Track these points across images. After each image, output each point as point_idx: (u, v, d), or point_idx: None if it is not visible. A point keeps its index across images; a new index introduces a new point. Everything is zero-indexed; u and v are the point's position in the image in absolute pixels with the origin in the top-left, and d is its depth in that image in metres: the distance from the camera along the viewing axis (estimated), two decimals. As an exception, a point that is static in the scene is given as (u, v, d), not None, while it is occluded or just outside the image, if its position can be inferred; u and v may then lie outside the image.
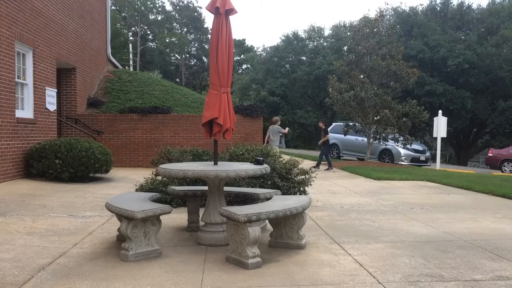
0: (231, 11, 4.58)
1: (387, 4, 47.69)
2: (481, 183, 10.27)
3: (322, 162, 15.01)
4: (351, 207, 7.18)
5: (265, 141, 14.17)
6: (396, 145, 17.98)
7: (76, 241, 4.67)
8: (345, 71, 17.42)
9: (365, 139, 17.62)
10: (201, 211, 5.09)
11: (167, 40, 55.85)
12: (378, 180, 11.12)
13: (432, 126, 19.59)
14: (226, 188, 5.25)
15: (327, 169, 13.99)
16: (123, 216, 4.05)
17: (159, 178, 6.88)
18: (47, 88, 10.35)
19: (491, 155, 21.50)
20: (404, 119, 16.46)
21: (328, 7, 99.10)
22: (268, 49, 42.66)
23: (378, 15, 18.72)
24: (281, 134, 13.60)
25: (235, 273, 3.72)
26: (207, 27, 59.34)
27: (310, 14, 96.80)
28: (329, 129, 21.97)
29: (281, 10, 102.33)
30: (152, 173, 7.08)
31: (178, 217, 5.90)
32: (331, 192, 8.92)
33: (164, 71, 47.77)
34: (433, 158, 20.20)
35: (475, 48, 28.82)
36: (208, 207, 4.62)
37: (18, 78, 9.22)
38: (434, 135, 17.96)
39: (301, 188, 7.26)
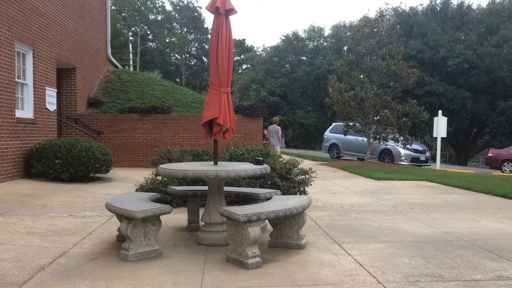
0: (231, 11, 4.58)
1: (387, 4, 47.65)
2: (481, 183, 10.26)
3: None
4: (351, 207, 7.18)
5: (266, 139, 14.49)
6: (396, 145, 17.98)
7: (76, 241, 4.67)
8: (345, 71, 17.41)
9: (365, 139, 17.61)
10: (201, 211, 5.09)
11: (167, 40, 55.87)
12: (378, 180, 11.12)
13: (432, 126, 19.61)
14: (226, 188, 5.25)
15: None
16: (123, 216, 4.05)
17: (159, 178, 6.88)
18: (47, 88, 10.35)
19: (491, 155, 21.50)
20: (404, 119, 16.45)
21: (328, 7, 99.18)
22: (268, 49, 42.72)
23: (378, 15, 18.70)
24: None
25: (235, 273, 3.72)
26: (207, 27, 59.38)
27: (310, 14, 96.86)
28: (329, 129, 22.10)
29: (281, 10, 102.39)
30: (152, 173, 7.08)
31: (178, 217, 5.90)
32: (331, 192, 8.92)
33: (164, 71, 47.80)
34: (433, 158, 20.21)
35: (475, 48, 28.83)
36: (208, 207, 4.62)
37: (18, 78, 9.22)
38: (434, 135, 17.96)
39: (301, 188, 7.26)
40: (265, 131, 15.97)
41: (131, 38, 54.52)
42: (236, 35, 72.05)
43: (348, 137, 19.41)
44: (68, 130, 12.62)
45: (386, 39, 17.37)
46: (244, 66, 58.11)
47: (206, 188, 5.07)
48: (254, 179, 6.82)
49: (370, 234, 5.22)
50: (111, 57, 16.73)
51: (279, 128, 15.03)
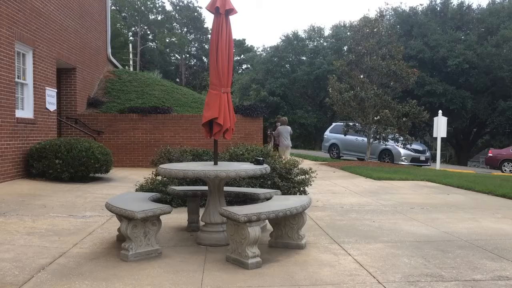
0: (231, 11, 4.58)
1: (387, 4, 47.72)
2: (481, 183, 10.26)
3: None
4: (351, 207, 7.18)
5: (273, 143, 14.14)
6: (396, 145, 17.98)
7: (76, 241, 4.67)
8: (345, 71, 17.42)
9: (365, 139, 17.62)
10: (201, 211, 5.09)
11: (167, 40, 55.85)
12: (378, 180, 11.12)
13: (432, 126, 19.61)
14: (226, 188, 5.25)
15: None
16: (123, 216, 4.05)
17: (159, 178, 6.88)
18: (47, 88, 10.35)
19: (491, 155, 21.51)
20: (404, 119, 16.45)
21: (328, 7, 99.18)
22: (268, 49, 42.72)
23: (378, 15, 18.71)
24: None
25: (235, 273, 3.72)
26: (207, 27, 59.35)
27: (310, 14, 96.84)
28: (329, 129, 22.09)
29: (281, 10, 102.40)
30: (152, 173, 7.08)
31: (178, 217, 5.90)
32: (331, 192, 8.92)
33: (164, 71, 47.79)
34: (433, 158, 20.21)
35: (475, 48, 28.82)
36: (208, 207, 4.62)
37: (18, 78, 9.22)
38: (434, 135, 17.96)
39: (301, 188, 7.26)
40: (271, 132, 15.45)
41: (131, 38, 54.48)
42: (236, 35, 72.04)
43: (348, 137, 19.41)
44: (68, 130, 12.62)
45: (386, 39, 17.37)
46: (244, 66, 58.09)
47: (206, 188, 5.07)
48: (254, 179, 6.81)
49: (370, 234, 5.23)
50: (111, 57, 16.73)
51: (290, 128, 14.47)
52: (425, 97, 27.78)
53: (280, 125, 14.11)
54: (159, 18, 57.85)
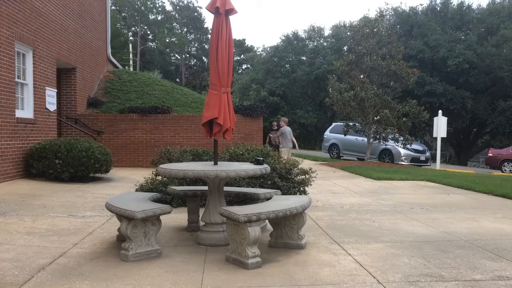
0: (231, 11, 4.58)
1: (387, 4, 47.82)
2: (481, 183, 10.26)
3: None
4: (351, 207, 7.18)
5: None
6: (396, 145, 17.98)
7: (76, 241, 4.67)
8: (345, 71, 17.42)
9: (365, 139, 17.62)
10: (201, 211, 5.09)
11: (167, 40, 55.81)
12: (378, 180, 11.12)
13: (432, 126, 19.62)
14: (226, 188, 5.25)
15: None
16: (123, 216, 4.05)
17: (159, 178, 6.88)
18: (47, 88, 10.35)
19: (491, 155, 21.51)
20: (404, 119, 16.45)
21: (328, 7, 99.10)
22: (268, 49, 42.71)
23: (378, 15, 18.72)
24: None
25: (235, 273, 3.72)
26: (207, 27, 59.30)
27: (310, 14, 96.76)
28: (329, 129, 22.09)
29: (281, 10, 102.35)
30: (152, 173, 7.08)
31: (178, 217, 5.90)
32: (331, 192, 8.92)
33: (164, 71, 47.77)
34: (433, 158, 20.21)
35: (475, 48, 28.83)
36: (208, 207, 4.63)
37: (18, 78, 9.22)
38: (434, 135, 17.96)
39: (301, 188, 7.26)
40: (271, 134, 15.18)
41: (131, 38, 54.44)
42: (236, 35, 71.92)
43: (348, 137, 19.41)
44: (68, 130, 12.62)
45: (386, 39, 17.37)
46: (244, 66, 58.08)
47: (206, 188, 5.07)
48: (254, 179, 6.81)
49: (370, 234, 5.22)
50: (111, 57, 16.73)
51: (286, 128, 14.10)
52: (425, 97, 27.79)
53: (284, 126, 13.86)
54: (159, 18, 57.81)
